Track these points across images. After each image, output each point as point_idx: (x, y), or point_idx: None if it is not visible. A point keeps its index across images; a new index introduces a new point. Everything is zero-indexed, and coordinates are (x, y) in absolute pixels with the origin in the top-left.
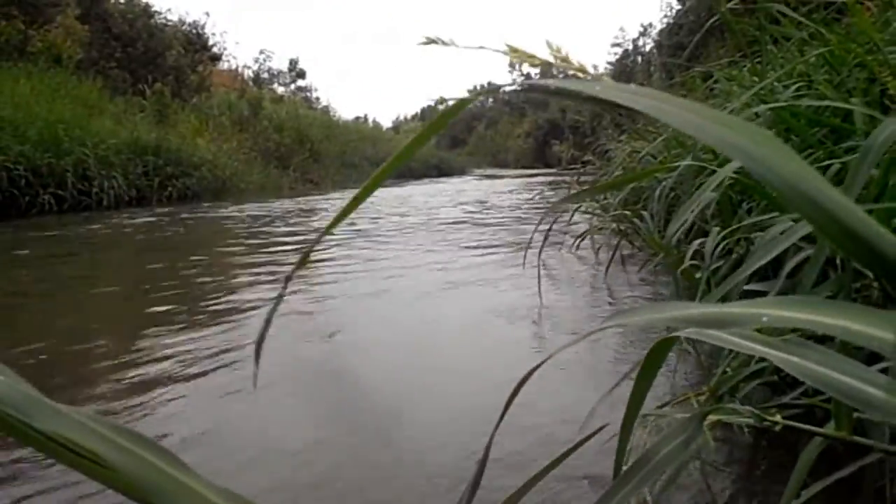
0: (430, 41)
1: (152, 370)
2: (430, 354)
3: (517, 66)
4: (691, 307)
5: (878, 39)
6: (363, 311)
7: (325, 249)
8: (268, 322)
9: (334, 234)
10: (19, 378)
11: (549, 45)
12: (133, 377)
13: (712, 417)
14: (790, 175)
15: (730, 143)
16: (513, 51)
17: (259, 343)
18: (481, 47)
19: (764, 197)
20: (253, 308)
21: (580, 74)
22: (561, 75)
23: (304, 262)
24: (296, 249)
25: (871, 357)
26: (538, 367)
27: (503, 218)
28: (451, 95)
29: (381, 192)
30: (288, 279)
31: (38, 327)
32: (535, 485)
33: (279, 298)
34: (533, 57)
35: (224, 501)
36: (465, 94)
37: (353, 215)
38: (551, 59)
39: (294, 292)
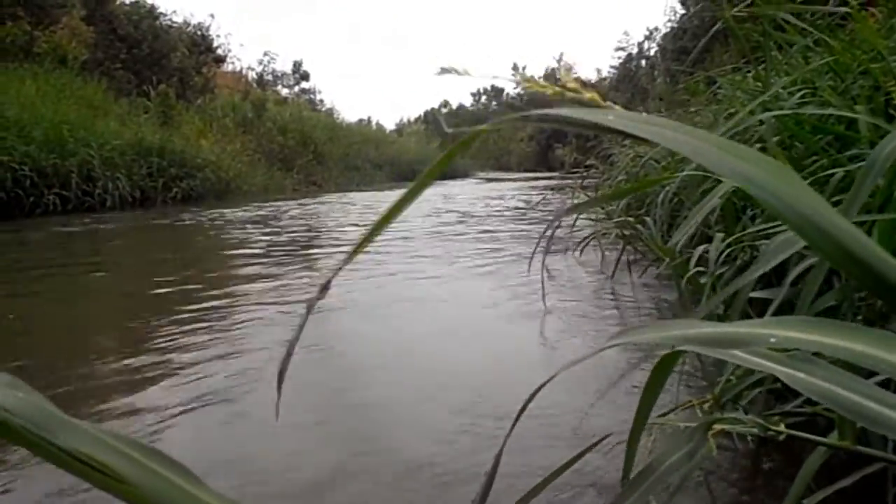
0: (445, 71)
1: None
2: None
3: (521, 71)
4: (700, 326)
5: (882, 47)
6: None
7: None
8: (289, 352)
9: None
10: (37, 393)
11: (560, 66)
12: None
13: (717, 426)
14: (794, 201)
15: (737, 170)
16: (525, 80)
17: (282, 372)
18: (495, 76)
19: (766, 206)
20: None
21: (594, 102)
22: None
23: (325, 290)
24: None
25: (871, 374)
26: (546, 383)
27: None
28: (453, 99)
29: (356, 196)
30: (309, 307)
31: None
32: (540, 492)
33: (300, 328)
34: (546, 87)
35: None
36: (468, 98)
37: (301, 226)
38: (562, 90)
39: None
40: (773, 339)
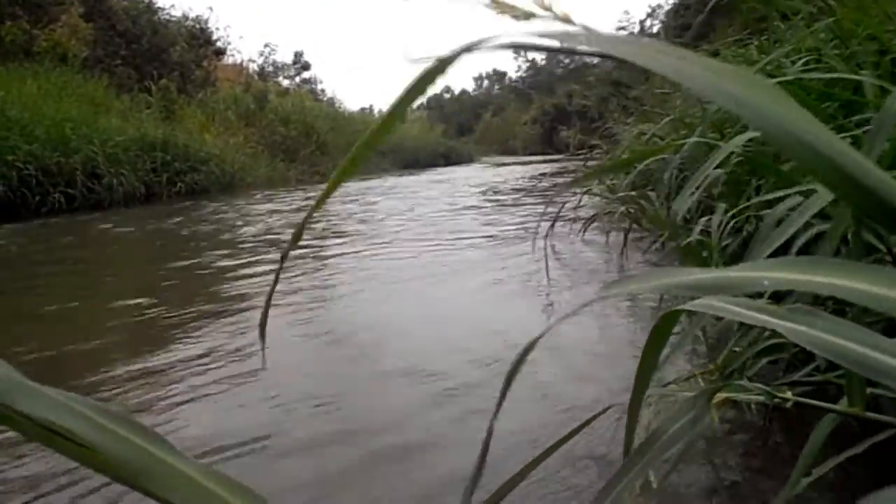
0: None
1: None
2: None
3: (522, 54)
4: (690, 273)
5: (890, 8)
6: None
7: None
8: (268, 303)
9: None
10: (1, 360)
11: None
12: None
13: (720, 395)
14: (790, 124)
15: (724, 91)
16: (495, 3)
17: (262, 324)
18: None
19: (773, 174)
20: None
21: (566, 24)
22: (567, 61)
23: (296, 241)
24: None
25: (887, 331)
26: (536, 340)
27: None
28: (456, 85)
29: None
30: (283, 257)
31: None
32: (539, 464)
33: (276, 279)
34: (514, 8)
35: (210, 482)
36: (471, 83)
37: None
38: (535, 10)
39: None
40: (765, 283)
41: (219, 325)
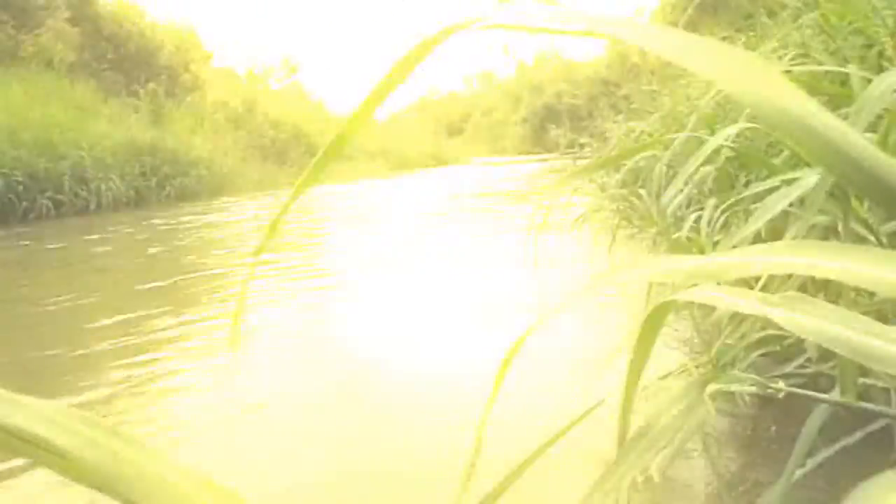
0: None
1: None
2: None
3: (511, 54)
4: (682, 260)
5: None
6: None
7: None
8: (241, 300)
9: None
10: None
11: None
12: None
13: (713, 386)
14: (779, 100)
15: (705, 62)
16: None
17: (235, 323)
18: None
19: (763, 167)
20: None
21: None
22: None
23: (272, 234)
24: None
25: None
26: (522, 340)
27: None
28: (445, 86)
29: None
30: (258, 253)
31: None
32: (534, 461)
33: (248, 276)
34: None
35: (191, 485)
36: (460, 83)
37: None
38: None
39: None
40: (758, 266)
41: None
